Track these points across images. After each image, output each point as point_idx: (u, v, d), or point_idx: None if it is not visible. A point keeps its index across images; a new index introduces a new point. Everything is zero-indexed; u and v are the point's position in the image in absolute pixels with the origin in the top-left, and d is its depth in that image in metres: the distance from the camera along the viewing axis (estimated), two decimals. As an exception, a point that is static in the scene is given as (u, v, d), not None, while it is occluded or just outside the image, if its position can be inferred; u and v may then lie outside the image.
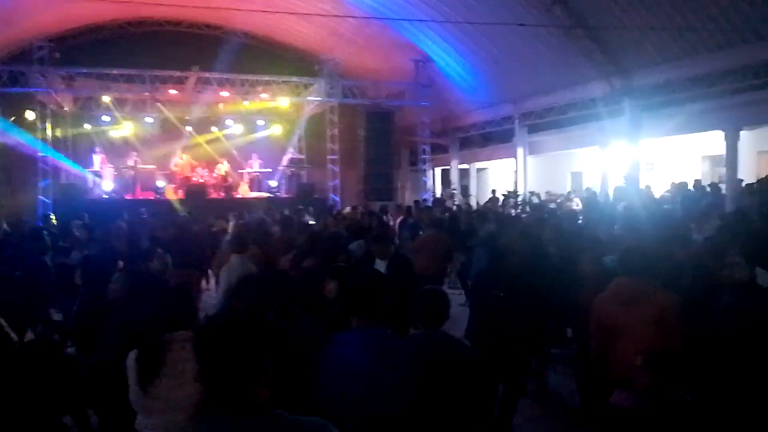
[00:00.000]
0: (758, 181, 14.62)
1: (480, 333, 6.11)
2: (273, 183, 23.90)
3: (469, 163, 27.69)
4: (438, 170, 29.26)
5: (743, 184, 15.07)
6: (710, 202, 13.14)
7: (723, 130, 16.07)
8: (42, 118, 20.37)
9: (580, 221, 12.86)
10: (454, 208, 18.12)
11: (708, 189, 15.31)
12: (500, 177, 27.27)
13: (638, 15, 15.72)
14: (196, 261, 9.47)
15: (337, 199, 23.07)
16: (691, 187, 15.79)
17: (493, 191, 21.80)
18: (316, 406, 3.12)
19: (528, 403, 6.75)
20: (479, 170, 28.87)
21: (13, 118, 20.47)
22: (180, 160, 22.86)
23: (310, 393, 3.26)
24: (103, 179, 22.09)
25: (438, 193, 27.20)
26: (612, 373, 4.74)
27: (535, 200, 19.25)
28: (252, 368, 2.02)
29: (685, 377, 3.60)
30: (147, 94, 21.42)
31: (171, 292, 4.27)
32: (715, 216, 9.66)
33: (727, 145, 15.99)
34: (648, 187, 17.01)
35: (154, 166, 22.84)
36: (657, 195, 16.52)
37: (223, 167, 23.38)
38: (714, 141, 16.91)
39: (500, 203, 19.31)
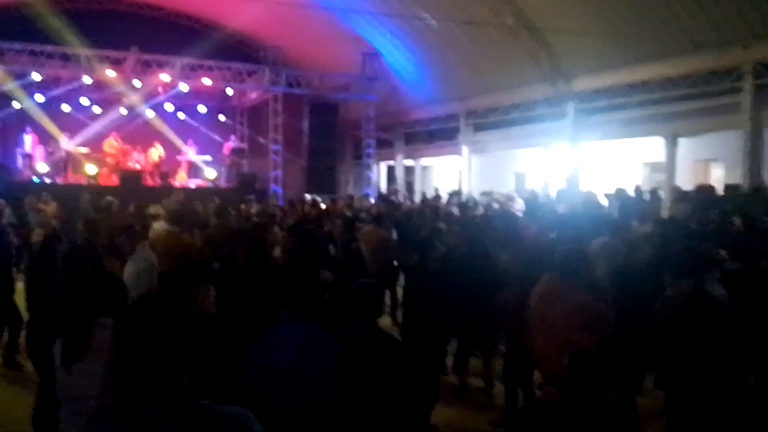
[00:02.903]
0: (695, 188, 14.85)
1: (411, 326, 6.24)
2: (212, 171, 23.27)
3: (414, 159, 27.56)
4: (383, 165, 29.07)
5: (680, 190, 15.29)
6: (646, 208, 13.24)
7: (662, 137, 16.31)
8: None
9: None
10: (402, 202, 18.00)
11: (647, 195, 15.46)
12: (445, 175, 27.22)
13: (583, 20, 15.86)
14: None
15: (279, 190, 22.63)
16: (631, 192, 15.94)
17: (436, 189, 21.70)
18: (242, 396, 3.13)
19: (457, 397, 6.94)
20: (424, 168, 28.77)
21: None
22: (114, 143, 21.98)
23: (237, 384, 3.30)
24: (34, 161, 21.13)
25: (383, 188, 27.02)
26: (540, 367, 5.11)
27: (484, 200, 19.12)
28: (173, 354, 1.96)
29: (608, 376, 3.52)
30: (82, 73, 20.58)
31: (101, 276, 4.27)
32: (650, 221, 9.70)
33: (666, 152, 16.23)
34: (590, 191, 17.11)
35: (87, 149, 21.96)
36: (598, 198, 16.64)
37: (156, 152, 22.59)
38: (654, 148, 17.16)
39: (443, 201, 19.18)
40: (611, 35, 15.57)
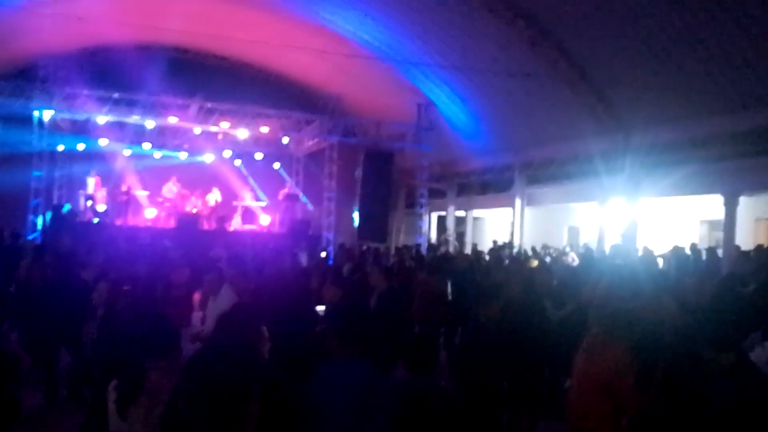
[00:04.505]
0: (755, 248, 14.40)
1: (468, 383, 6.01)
2: (266, 217, 23.64)
3: (466, 210, 27.51)
4: (434, 215, 29.07)
5: (740, 250, 14.84)
6: (703, 267, 12.91)
7: (722, 195, 15.93)
8: (40, 136, 20.17)
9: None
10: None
11: (704, 253, 15.07)
12: (497, 227, 27.07)
13: (642, 74, 15.72)
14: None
15: (331, 237, 22.80)
16: (688, 250, 15.56)
17: (494, 242, 21.56)
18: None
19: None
20: (476, 219, 28.67)
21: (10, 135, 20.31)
22: (173, 188, 22.57)
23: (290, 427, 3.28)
24: (96, 202, 21.78)
25: (434, 238, 26.98)
26: (578, 423, 4.79)
27: (539, 253, 18.84)
28: (241, 404, 1.96)
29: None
30: (147, 119, 21.28)
31: (156, 318, 4.24)
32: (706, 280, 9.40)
33: (726, 210, 15.83)
34: (646, 247, 16.76)
35: (147, 192, 22.61)
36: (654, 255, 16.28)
37: (213, 196, 23.11)
38: (713, 205, 16.76)
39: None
40: (672, 88, 15.39)
